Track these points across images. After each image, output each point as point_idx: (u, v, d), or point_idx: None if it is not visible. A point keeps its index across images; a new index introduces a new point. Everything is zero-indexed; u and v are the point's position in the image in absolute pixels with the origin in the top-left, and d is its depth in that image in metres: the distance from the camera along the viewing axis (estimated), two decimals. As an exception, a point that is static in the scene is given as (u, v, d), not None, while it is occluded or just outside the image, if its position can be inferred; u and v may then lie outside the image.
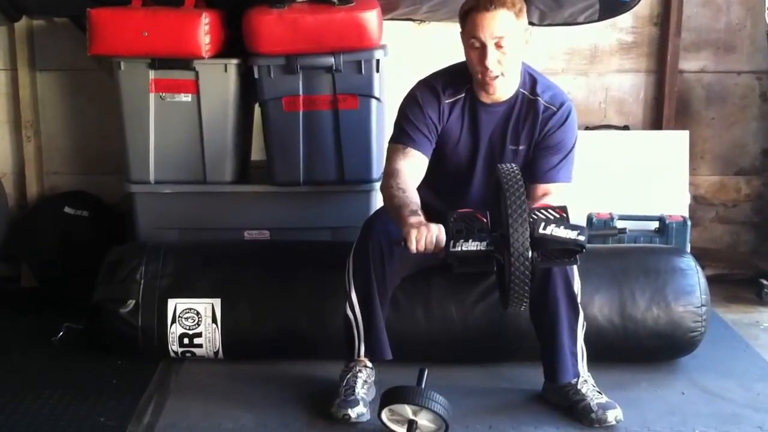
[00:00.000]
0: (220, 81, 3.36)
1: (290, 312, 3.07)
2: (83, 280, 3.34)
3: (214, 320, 3.05)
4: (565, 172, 2.87)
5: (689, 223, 3.74)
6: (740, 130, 4.18)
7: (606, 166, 3.85)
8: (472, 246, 2.48)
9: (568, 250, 2.50)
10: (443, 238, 2.52)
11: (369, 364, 2.85)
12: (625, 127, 4.08)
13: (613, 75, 4.11)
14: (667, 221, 3.71)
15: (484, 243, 2.48)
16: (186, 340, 3.06)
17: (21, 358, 3.21)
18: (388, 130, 2.97)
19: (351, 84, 3.34)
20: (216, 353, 3.09)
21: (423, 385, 2.55)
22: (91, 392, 2.89)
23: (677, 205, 3.87)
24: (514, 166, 2.51)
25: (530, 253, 2.40)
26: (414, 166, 2.80)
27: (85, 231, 3.84)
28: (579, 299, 2.82)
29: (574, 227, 2.47)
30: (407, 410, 2.53)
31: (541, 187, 2.83)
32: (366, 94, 3.36)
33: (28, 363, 3.17)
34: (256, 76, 3.33)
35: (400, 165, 2.78)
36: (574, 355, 2.79)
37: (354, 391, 2.76)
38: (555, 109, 2.85)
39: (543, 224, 2.45)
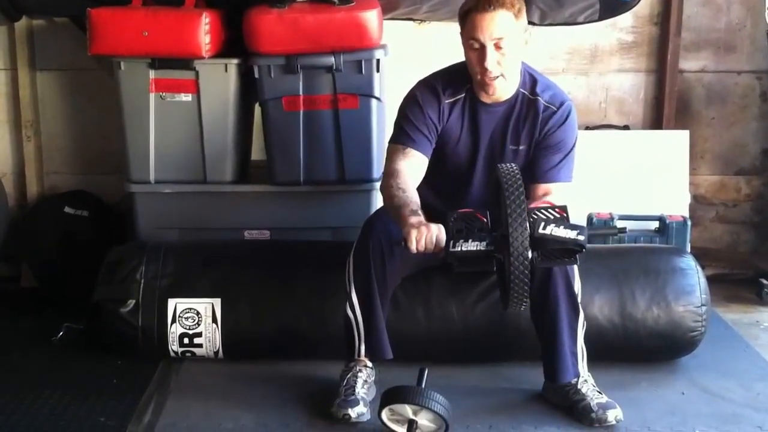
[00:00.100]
0: (220, 81, 3.36)
1: (290, 312, 3.07)
2: (83, 280, 3.34)
3: (214, 320, 3.05)
4: (566, 171, 2.87)
5: (689, 222, 3.74)
6: (740, 130, 4.18)
7: (606, 166, 3.85)
8: (472, 246, 2.48)
9: (568, 250, 2.50)
10: (443, 237, 2.52)
11: (369, 364, 2.85)
12: (626, 127, 4.08)
13: (613, 75, 4.11)
14: (667, 221, 3.71)
15: (484, 243, 2.48)
16: (186, 340, 3.06)
17: (21, 358, 3.21)
18: (389, 130, 2.97)
19: (351, 84, 3.34)
20: (216, 353, 3.09)
21: (423, 385, 2.55)
22: (91, 392, 2.89)
23: (677, 204, 3.87)
24: (513, 165, 2.51)
25: (530, 252, 2.41)
26: (414, 166, 2.80)
27: (85, 231, 3.84)
28: (579, 299, 2.82)
29: (573, 227, 2.47)
30: (407, 410, 2.53)
31: (542, 187, 2.83)
32: (366, 93, 3.36)
33: (28, 363, 3.17)
34: (257, 75, 3.34)
35: (400, 165, 2.78)
36: (575, 354, 2.79)
37: (354, 390, 2.76)
38: (555, 108, 2.85)
39: (543, 224, 2.45)
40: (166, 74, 3.34)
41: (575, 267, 2.77)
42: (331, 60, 3.30)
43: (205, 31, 3.25)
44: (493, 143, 2.88)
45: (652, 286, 3.07)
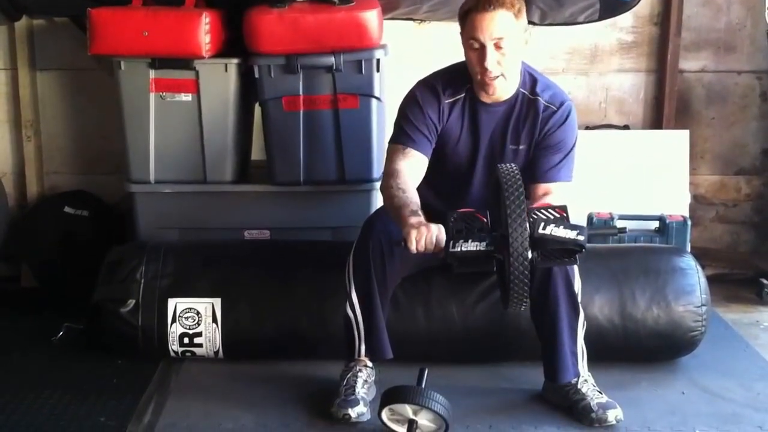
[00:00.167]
0: (220, 81, 3.36)
1: (290, 312, 3.07)
2: (83, 280, 3.34)
3: (214, 320, 3.05)
4: (566, 171, 2.87)
5: (689, 222, 3.74)
6: (740, 130, 4.18)
7: (606, 166, 3.85)
8: (471, 246, 2.48)
9: (568, 250, 2.50)
10: (443, 238, 2.52)
11: (369, 364, 2.85)
12: (626, 127, 4.08)
13: (613, 75, 4.11)
14: (667, 221, 3.71)
15: (484, 243, 2.48)
16: (186, 340, 3.06)
17: (21, 358, 3.21)
18: (389, 130, 2.96)
19: (351, 83, 3.34)
20: (216, 353, 3.09)
21: (423, 385, 2.55)
22: (91, 392, 2.89)
23: (677, 204, 3.87)
24: (513, 165, 2.51)
25: (530, 253, 2.41)
26: (414, 167, 2.80)
27: (86, 231, 3.84)
28: (579, 299, 2.82)
29: (573, 227, 2.47)
30: (407, 410, 2.53)
31: (542, 187, 2.83)
32: (366, 93, 3.36)
33: (28, 363, 3.17)
34: (257, 75, 3.33)
35: (400, 165, 2.78)
36: (575, 354, 2.79)
37: (354, 390, 2.76)
38: (555, 108, 2.85)
39: (542, 224, 2.45)
40: (166, 74, 3.34)
41: (575, 267, 2.77)
42: (331, 60, 3.30)
43: (205, 30, 3.25)
44: (493, 143, 2.88)
45: (652, 286, 3.07)
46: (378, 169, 3.41)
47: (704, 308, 3.07)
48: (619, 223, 3.61)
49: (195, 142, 3.41)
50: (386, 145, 2.92)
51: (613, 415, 2.70)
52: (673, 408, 2.84)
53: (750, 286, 3.94)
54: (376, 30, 3.31)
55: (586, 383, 2.79)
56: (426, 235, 2.52)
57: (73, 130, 4.05)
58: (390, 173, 2.78)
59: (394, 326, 2.87)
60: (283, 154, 3.43)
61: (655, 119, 4.12)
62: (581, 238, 2.46)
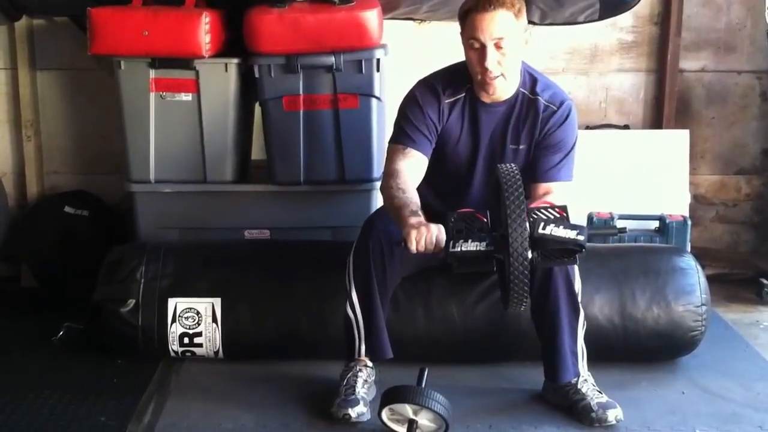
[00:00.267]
0: (220, 80, 3.36)
1: (290, 312, 3.07)
2: (83, 280, 3.34)
3: (214, 320, 3.05)
4: (566, 170, 2.87)
5: (689, 222, 3.74)
6: (740, 130, 4.18)
7: (606, 166, 3.85)
8: (471, 246, 2.48)
9: (568, 250, 2.50)
10: (443, 238, 2.52)
11: (369, 364, 2.85)
12: (626, 127, 4.08)
13: (613, 74, 4.11)
14: (667, 221, 3.70)
15: (484, 243, 2.48)
16: (186, 340, 3.06)
17: (21, 358, 3.21)
18: (389, 130, 2.96)
19: (351, 83, 3.34)
20: (216, 353, 3.09)
21: (423, 385, 2.55)
22: (91, 392, 2.89)
23: (677, 204, 3.87)
24: (513, 165, 2.51)
25: (530, 252, 2.41)
26: (414, 167, 2.80)
27: (86, 231, 3.84)
28: (579, 298, 2.82)
29: (573, 227, 2.47)
30: (408, 410, 2.53)
31: (542, 186, 2.83)
32: (366, 93, 3.36)
33: (28, 363, 3.17)
34: (257, 75, 3.33)
35: (400, 165, 2.78)
36: (575, 354, 2.79)
37: (354, 390, 2.76)
38: (555, 108, 2.85)
39: (542, 224, 2.45)
40: (167, 74, 3.34)
41: (576, 267, 2.77)
42: (332, 60, 3.30)
43: (205, 30, 3.25)
44: (493, 143, 2.88)
45: (652, 285, 3.07)
46: (378, 169, 3.41)
47: (704, 308, 3.07)
48: (619, 223, 3.61)
49: (195, 142, 3.41)
50: (386, 145, 2.92)
51: (613, 414, 2.70)
52: (673, 408, 2.84)
53: (750, 286, 3.94)
54: (376, 30, 3.31)
55: (586, 383, 2.79)
56: (426, 235, 2.52)
57: (73, 129, 4.05)
58: (390, 173, 2.78)
59: (394, 326, 2.87)
60: (283, 154, 3.42)
61: (655, 119, 4.12)
62: (581, 238, 2.46)
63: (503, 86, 2.79)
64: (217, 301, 3.06)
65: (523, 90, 2.85)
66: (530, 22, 3.01)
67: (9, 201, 4.02)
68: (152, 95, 3.36)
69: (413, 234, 2.52)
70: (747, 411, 2.82)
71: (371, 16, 3.29)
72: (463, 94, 2.85)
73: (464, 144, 2.89)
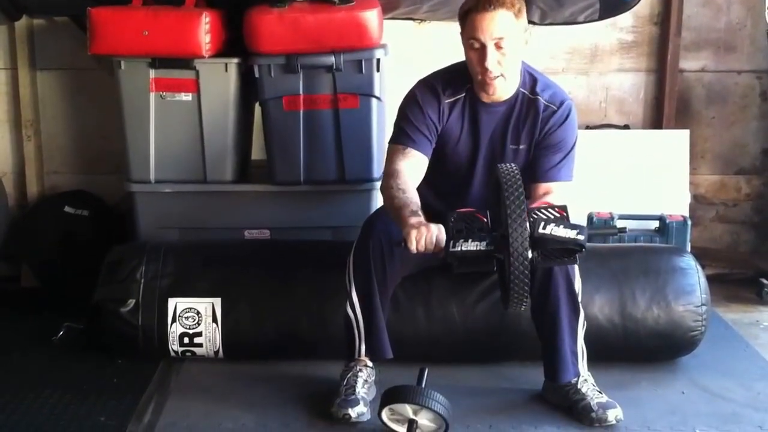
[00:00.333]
0: (220, 80, 3.36)
1: (290, 312, 3.07)
2: (83, 280, 3.34)
3: (214, 320, 3.05)
4: (566, 170, 2.87)
5: (689, 222, 3.74)
6: (740, 130, 4.18)
7: (606, 166, 3.86)
8: (471, 246, 2.48)
9: (568, 250, 2.50)
10: (443, 238, 2.52)
11: (369, 364, 2.85)
12: (626, 127, 4.08)
13: (613, 74, 4.11)
14: (667, 221, 3.71)
15: (484, 243, 2.48)
16: (186, 340, 3.06)
17: (21, 358, 3.21)
18: (389, 130, 2.96)
19: (351, 83, 3.34)
20: (216, 353, 3.09)
21: (423, 385, 2.55)
22: (91, 392, 2.89)
23: (677, 204, 3.87)
24: (513, 165, 2.51)
25: (530, 252, 2.41)
26: (414, 167, 2.80)
27: (86, 231, 3.84)
28: (580, 298, 2.82)
29: (573, 227, 2.47)
30: (408, 409, 2.53)
31: (543, 186, 2.83)
32: (366, 93, 3.36)
33: (28, 363, 3.17)
34: (257, 75, 3.33)
35: (400, 165, 2.78)
36: (575, 354, 2.79)
37: (354, 390, 2.76)
38: (555, 107, 2.85)
39: (543, 224, 2.45)
40: (167, 74, 3.34)
41: (576, 267, 2.77)
42: (332, 60, 3.30)
43: (205, 30, 3.25)
44: (494, 143, 2.88)
45: (652, 285, 3.07)
46: (378, 168, 3.41)
47: (704, 308, 3.07)
48: (619, 223, 3.61)
49: (195, 142, 3.41)
50: (386, 145, 2.92)
51: (613, 414, 2.70)
52: (673, 408, 2.84)
53: (750, 286, 3.95)
54: (376, 30, 3.31)
55: (586, 383, 2.79)
56: (426, 235, 2.52)
57: (73, 129, 4.05)
58: (390, 173, 2.78)
59: (394, 326, 2.87)
60: (283, 154, 3.43)
61: (655, 119, 4.12)
62: (581, 237, 2.46)
63: (503, 86, 2.79)
64: (217, 301, 3.06)
65: (523, 90, 2.85)
66: (530, 22, 3.01)
67: (9, 201, 4.03)
68: (152, 95, 3.36)
69: (413, 234, 2.52)
70: (747, 411, 2.82)
71: (371, 16, 3.29)
72: (463, 94, 2.85)
73: (464, 144, 2.89)
